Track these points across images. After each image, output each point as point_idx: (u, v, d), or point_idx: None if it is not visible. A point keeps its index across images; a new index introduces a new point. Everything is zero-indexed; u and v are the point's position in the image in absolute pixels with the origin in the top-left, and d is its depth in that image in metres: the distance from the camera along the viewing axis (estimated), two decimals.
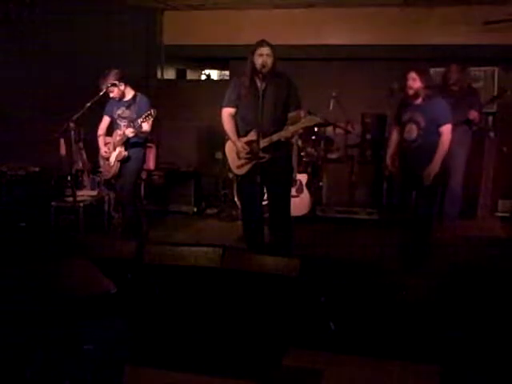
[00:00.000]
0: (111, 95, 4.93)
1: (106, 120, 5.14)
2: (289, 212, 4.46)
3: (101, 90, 4.81)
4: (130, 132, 4.76)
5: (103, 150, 5.07)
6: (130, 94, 5.01)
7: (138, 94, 5.02)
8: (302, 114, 4.33)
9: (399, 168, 4.51)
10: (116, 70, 4.89)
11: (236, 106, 4.31)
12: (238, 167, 4.37)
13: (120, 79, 4.88)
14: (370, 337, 3.16)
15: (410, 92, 4.30)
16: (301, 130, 4.80)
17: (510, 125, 6.37)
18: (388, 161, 4.61)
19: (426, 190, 4.34)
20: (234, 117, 4.34)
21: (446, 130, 4.27)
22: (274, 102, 4.18)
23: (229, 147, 4.43)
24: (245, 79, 4.21)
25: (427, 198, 4.43)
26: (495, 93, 6.64)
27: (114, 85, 4.84)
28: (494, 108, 6.64)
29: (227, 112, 4.34)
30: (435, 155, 4.26)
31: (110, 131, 5.17)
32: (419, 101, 4.34)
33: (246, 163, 4.30)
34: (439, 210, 5.38)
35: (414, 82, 4.28)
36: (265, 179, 4.23)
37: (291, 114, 4.23)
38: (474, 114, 5.16)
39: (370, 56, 6.77)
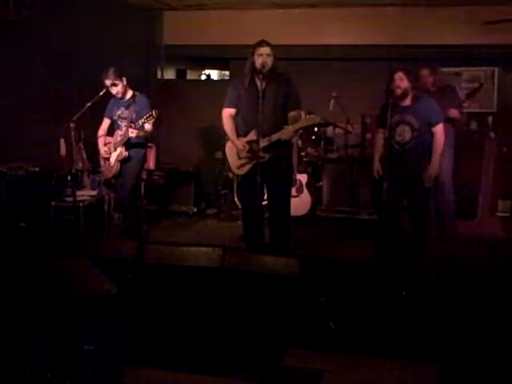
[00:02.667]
0: (113, 92, 4.92)
1: (106, 121, 5.16)
2: (289, 212, 4.46)
3: (104, 87, 4.82)
4: (131, 132, 4.75)
5: (103, 150, 5.07)
6: (129, 93, 5.02)
7: (137, 94, 5.02)
8: (302, 113, 4.33)
9: (391, 170, 4.42)
10: (114, 68, 4.89)
11: (236, 107, 4.31)
12: (238, 167, 4.37)
13: (121, 75, 4.89)
14: (369, 337, 3.16)
15: (399, 92, 4.25)
16: (301, 130, 4.80)
17: (510, 125, 6.37)
18: (378, 165, 4.52)
19: (423, 189, 4.34)
20: (235, 117, 4.35)
21: (439, 129, 4.28)
22: (274, 101, 4.18)
23: (229, 147, 4.44)
24: (245, 79, 4.21)
25: (425, 197, 4.42)
26: (495, 93, 6.66)
27: (116, 82, 4.85)
28: (493, 108, 6.66)
29: (227, 112, 4.34)
30: (433, 156, 4.26)
31: (110, 132, 5.17)
32: (408, 102, 4.31)
33: (246, 163, 4.30)
34: (436, 211, 5.37)
35: (402, 81, 4.25)
36: (265, 179, 4.24)
37: (291, 114, 4.24)
38: (453, 112, 5.16)
39: (370, 56, 6.77)
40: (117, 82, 4.87)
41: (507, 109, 6.56)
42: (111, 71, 4.86)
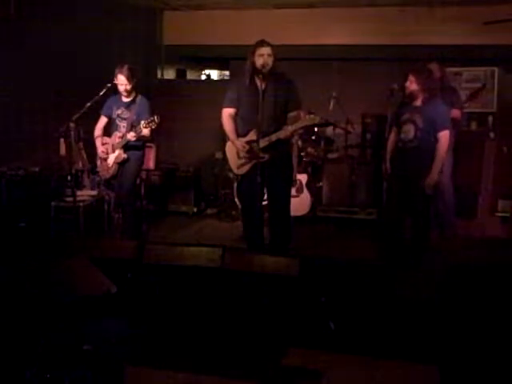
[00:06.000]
0: (121, 89, 4.89)
1: (103, 120, 5.10)
2: (289, 212, 4.46)
3: (116, 78, 4.80)
4: (131, 136, 4.74)
5: (101, 150, 5.04)
6: (132, 95, 4.99)
7: (139, 96, 5.00)
8: (302, 114, 4.33)
9: (396, 169, 4.45)
10: (129, 66, 4.87)
11: (236, 107, 4.31)
12: (238, 167, 4.37)
13: (133, 76, 4.89)
14: (369, 337, 3.16)
15: (406, 92, 4.33)
16: (300, 130, 4.80)
17: (510, 125, 6.37)
18: (387, 163, 4.55)
19: (424, 190, 4.33)
20: (234, 117, 4.34)
21: (444, 136, 4.24)
22: (274, 102, 4.18)
23: (229, 147, 4.44)
24: (245, 79, 4.21)
25: (425, 197, 4.42)
26: (495, 93, 6.66)
27: (128, 80, 4.83)
28: (493, 108, 6.66)
29: (227, 112, 4.34)
30: (434, 163, 4.23)
31: (106, 130, 5.14)
32: (418, 103, 4.33)
33: (246, 163, 4.30)
34: (436, 211, 5.36)
35: (411, 83, 4.29)
36: (265, 179, 4.24)
37: (291, 115, 4.23)
38: (456, 113, 5.17)
39: (370, 56, 6.77)
40: (129, 80, 4.85)
41: (507, 109, 6.55)
42: (126, 68, 4.82)
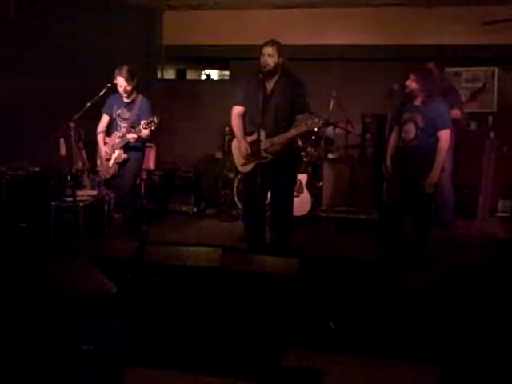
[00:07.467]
0: (121, 90, 4.88)
1: (105, 118, 5.10)
2: (291, 212, 4.45)
3: (115, 79, 4.80)
4: (131, 137, 4.74)
5: (104, 151, 5.04)
6: (132, 95, 4.99)
7: (140, 96, 4.99)
8: (306, 116, 4.32)
9: (396, 169, 4.47)
10: (128, 67, 4.85)
11: (245, 105, 4.31)
12: (242, 165, 4.38)
13: (133, 76, 4.87)
14: (369, 337, 3.16)
15: (406, 90, 4.33)
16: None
17: (510, 125, 6.37)
18: (389, 162, 4.57)
19: (424, 190, 4.33)
20: (243, 115, 4.35)
21: (445, 135, 4.25)
22: (279, 103, 4.19)
23: (235, 144, 4.44)
24: (253, 78, 4.23)
25: (426, 198, 4.42)
26: (495, 93, 6.66)
27: (128, 82, 4.82)
28: (493, 108, 6.66)
29: (236, 110, 4.35)
30: (435, 162, 4.23)
31: (106, 130, 5.14)
32: (418, 102, 4.34)
33: (249, 162, 4.30)
34: (436, 211, 5.36)
35: (411, 82, 4.29)
36: (268, 179, 4.23)
37: (298, 117, 4.22)
38: (457, 113, 5.17)
39: (370, 56, 6.76)
40: (129, 81, 4.84)
41: (507, 109, 6.56)
42: (125, 69, 4.81)
